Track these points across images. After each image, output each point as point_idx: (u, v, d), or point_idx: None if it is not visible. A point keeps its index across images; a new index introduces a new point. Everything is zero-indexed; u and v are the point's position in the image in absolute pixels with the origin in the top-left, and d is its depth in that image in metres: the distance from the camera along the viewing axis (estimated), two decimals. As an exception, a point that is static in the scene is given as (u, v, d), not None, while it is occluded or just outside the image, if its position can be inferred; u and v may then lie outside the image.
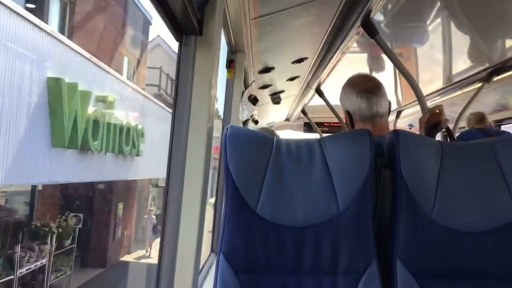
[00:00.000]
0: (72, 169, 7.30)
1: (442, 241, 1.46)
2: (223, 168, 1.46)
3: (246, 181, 1.43)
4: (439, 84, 3.63)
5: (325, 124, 6.17)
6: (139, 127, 10.08)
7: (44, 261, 8.26)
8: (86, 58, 7.76)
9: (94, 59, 8.03)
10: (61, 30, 8.57)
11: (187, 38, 1.55)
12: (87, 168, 7.80)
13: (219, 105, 3.86)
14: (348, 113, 1.83)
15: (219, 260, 1.42)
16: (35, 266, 8.03)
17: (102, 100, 8.24)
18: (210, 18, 1.55)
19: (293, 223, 1.43)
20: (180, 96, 1.57)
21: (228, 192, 1.43)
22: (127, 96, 9.81)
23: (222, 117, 3.48)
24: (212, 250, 3.35)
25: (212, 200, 3.86)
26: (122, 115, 9.14)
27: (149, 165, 11.18)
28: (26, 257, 7.70)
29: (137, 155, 9.96)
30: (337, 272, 1.43)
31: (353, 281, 1.43)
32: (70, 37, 8.35)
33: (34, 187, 8.60)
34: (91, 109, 7.59)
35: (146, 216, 14.29)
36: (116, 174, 9.56)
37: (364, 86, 1.79)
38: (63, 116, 6.60)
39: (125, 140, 9.17)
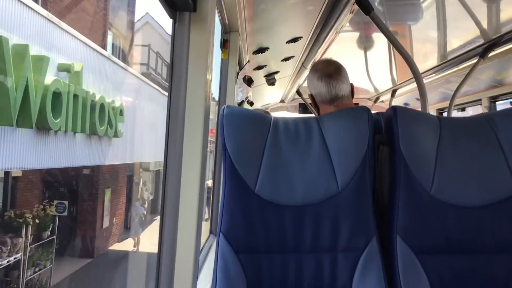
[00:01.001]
0: (26, 152, 6.03)
1: (441, 216, 1.47)
2: (220, 148, 1.45)
3: (244, 161, 1.44)
4: (434, 61, 3.62)
5: None
6: (117, 104, 8.86)
7: (18, 255, 7.54)
8: (48, 19, 6.50)
9: (55, 19, 6.72)
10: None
11: (181, 15, 1.52)
12: (48, 151, 6.55)
13: (214, 87, 3.84)
14: (311, 96, 1.95)
15: (219, 240, 1.43)
16: (8, 262, 7.30)
17: (66, 69, 6.90)
18: (204, -7, 1.52)
19: (293, 202, 1.44)
20: (175, 76, 1.54)
21: (226, 172, 1.44)
22: (102, 67, 8.59)
23: (216, 99, 3.44)
24: (210, 232, 3.36)
25: (209, 182, 3.87)
26: (94, 89, 7.85)
27: (132, 148, 10.21)
28: (-3, 252, 7.03)
29: (116, 136, 8.80)
30: (337, 249, 1.45)
31: (354, 258, 1.44)
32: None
33: (7, 174, 7.61)
34: (50, 79, 6.22)
35: (132, 206, 13.06)
36: (89, 158, 8.31)
37: (324, 71, 1.89)
38: (7, 86, 5.26)
39: (99, 119, 7.93)
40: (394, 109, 1.55)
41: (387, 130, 1.57)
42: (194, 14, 1.52)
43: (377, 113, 1.76)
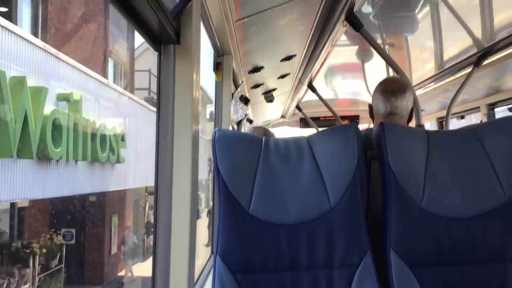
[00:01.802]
0: (27, 182, 5.94)
1: (433, 228, 1.48)
2: (214, 171, 1.46)
3: (237, 182, 1.45)
4: (431, 71, 3.62)
5: (321, 118, 6.15)
6: (118, 130, 8.73)
7: (26, 286, 7.42)
8: (45, 50, 6.44)
9: (53, 50, 6.67)
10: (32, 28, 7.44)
11: (165, 48, 1.54)
12: (50, 181, 6.46)
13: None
14: (370, 106, 2.03)
15: (215, 261, 1.44)
16: None
17: (65, 98, 6.86)
18: (187, 27, 1.55)
19: (286, 220, 1.45)
20: (163, 104, 1.57)
21: (220, 194, 1.45)
22: (102, 95, 8.52)
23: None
24: (212, 252, 3.35)
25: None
26: (94, 117, 7.78)
27: (135, 172, 10.10)
28: (5, 285, 6.93)
29: (118, 161, 8.65)
30: (333, 266, 1.45)
31: (349, 273, 1.45)
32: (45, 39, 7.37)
33: (13, 204, 7.50)
34: (49, 109, 6.17)
35: (125, 234, 11.92)
36: (92, 185, 8.14)
37: (388, 86, 1.96)
38: (6, 118, 5.16)
39: (100, 145, 7.81)
40: (382, 125, 1.56)
41: (376, 145, 1.58)
42: (178, 46, 1.54)
43: (368, 129, 1.78)
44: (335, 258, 1.45)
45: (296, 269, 1.45)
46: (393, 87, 1.94)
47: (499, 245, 1.48)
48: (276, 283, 1.44)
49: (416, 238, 1.47)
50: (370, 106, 2.03)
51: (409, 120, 2.00)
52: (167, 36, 1.47)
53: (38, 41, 6.43)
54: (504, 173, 1.50)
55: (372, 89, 5.07)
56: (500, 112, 3.83)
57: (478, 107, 3.98)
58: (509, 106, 3.69)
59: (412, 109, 1.97)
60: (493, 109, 3.83)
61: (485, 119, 3.89)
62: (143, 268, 11.82)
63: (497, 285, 1.46)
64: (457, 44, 3.05)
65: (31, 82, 5.78)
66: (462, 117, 4.50)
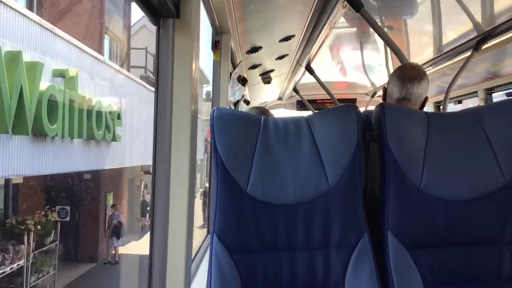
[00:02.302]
0: (23, 158, 5.98)
1: (431, 210, 1.49)
2: (212, 150, 1.46)
3: (235, 161, 1.45)
4: (430, 54, 3.60)
5: (318, 101, 6.14)
6: (114, 108, 8.80)
7: (21, 262, 7.51)
8: (41, 25, 6.41)
9: (49, 25, 6.66)
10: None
11: (164, 22, 1.52)
12: (45, 157, 6.50)
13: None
14: (384, 89, 2.07)
15: (212, 241, 1.44)
16: (11, 269, 7.27)
17: (61, 74, 6.83)
18: (187, 0, 1.52)
19: (284, 201, 1.45)
20: (161, 81, 1.55)
21: (218, 173, 1.45)
22: (98, 72, 8.53)
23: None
24: (208, 232, 3.36)
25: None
26: (90, 94, 7.84)
27: (131, 150, 10.13)
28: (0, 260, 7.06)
29: (114, 140, 8.74)
30: (330, 246, 1.46)
31: (346, 254, 1.46)
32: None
33: (7, 180, 7.58)
34: (45, 85, 6.18)
35: (110, 213, 11.48)
36: (87, 162, 8.24)
37: (406, 72, 2.00)
38: (1, 93, 5.20)
39: (96, 123, 7.86)
40: (382, 106, 1.56)
41: (376, 127, 1.57)
42: (178, 21, 1.52)
43: (368, 111, 1.78)
44: (332, 239, 1.46)
45: (293, 249, 1.46)
46: (411, 74, 1.97)
47: (496, 228, 1.48)
48: (273, 263, 1.45)
49: (414, 220, 1.48)
50: (385, 89, 2.06)
51: (421, 108, 2.01)
52: (167, 9, 1.44)
53: (33, 16, 6.39)
54: (503, 156, 1.50)
55: (369, 73, 5.08)
56: (498, 97, 3.83)
57: (476, 92, 3.97)
58: (507, 91, 3.69)
59: (426, 98, 1.99)
60: (490, 94, 3.83)
61: (482, 104, 3.89)
62: (138, 246, 11.89)
63: (494, 267, 1.48)
64: (456, 28, 3.03)
65: (26, 57, 5.76)
66: (460, 102, 4.50)
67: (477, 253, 1.48)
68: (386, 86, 2.06)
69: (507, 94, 3.73)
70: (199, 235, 3.17)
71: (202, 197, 14.61)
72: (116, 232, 11.06)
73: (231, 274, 1.41)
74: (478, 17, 2.72)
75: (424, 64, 3.79)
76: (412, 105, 1.95)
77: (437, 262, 1.47)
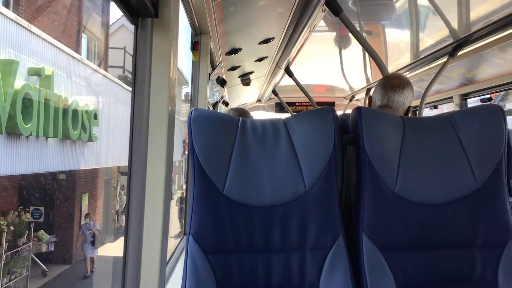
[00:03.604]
0: None
1: (405, 213, 1.50)
2: (189, 150, 1.44)
3: (213, 163, 1.44)
4: (407, 60, 3.65)
5: (297, 104, 6.17)
6: (91, 107, 8.68)
7: None
8: (17, 23, 6.31)
9: (25, 23, 6.56)
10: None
11: (143, 21, 1.50)
12: (19, 157, 6.43)
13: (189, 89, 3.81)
14: (370, 98, 2.14)
15: (188, 241, 1.43)
16: None
17: (36, 73, 6.72)
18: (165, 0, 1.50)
19: (261, 202, 1.45)
20: (138, 81, 1.53)
21: (195, 174, 1.44)
22: (74, 71, 8.39)
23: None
24: (185, 233, 3.34)
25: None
26: (66, 93, 7.70)
27: (107, 151, 10.02)
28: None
29: (90, 140, 8.62)
30: (306, 248, 1.47)
31: (321, 256, 1.47)
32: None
33: None
34: (19, 83, 6.09)
35: (84, 222, 10.77)
36: (63, 162, 8.06)
37: (388, 82, 2.06)
38: None
39: (72, 123, 7.75)
40: (358, 109, 1.57)
41: (353, 130, 1.59)
42: (156, 20, 1.50)
43: (345, 114, 1.79)
44: (308, 241, 1.47)
45: (269, 251, 1.46)
46: (394, 82, 2.03)
47: (469, 231, 1.51)
48: (249, 264, 1.45)
49: (388, 223, 1.50)
50: (370, 98, 2.13)
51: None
52: (145, 9, 1.43)
53: (9, 13, 6.25)
54: (475, 161, 1.53)
55: (348, 77, 5.11)
56: (472, 103, 3.91)
57: (451, 97, 4.05)
58: (481, 97, 3.77)
59: (409, 108, 2.04)
60: (465, 99, 3.90)
61: (457, 110, 3.96)
62: (114, 248, 11.67)
63: (465, 270, 1.50)
64: (433, 34, 3.08)
65: (1, 55, 5.72)
66: (435, 107, 4.58)
67: (450, 256, 1.50)
68: (370, 95, 2.13)
69: (482, 100, 3.80)
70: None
71: (178, 203, 14.42)
72: (91, 242, 10.47)
73: (206, 275, 1.41)
74: (455, 24, 2.76)
75: (401, 69, 3.84)
76: (394, 112, 1.99)
77: (410, 264, 1.49)
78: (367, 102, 2.20)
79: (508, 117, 1.64)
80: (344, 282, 1.44)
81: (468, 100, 3.91)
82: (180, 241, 3.14)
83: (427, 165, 1.53)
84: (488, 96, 3.73)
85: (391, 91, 2.01)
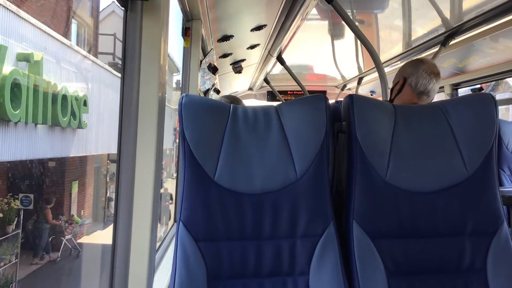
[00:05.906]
0: None
1: (396, 202, 1.50)
2: (179, 137, 1.43)
3: (203, 149, 1.43)
4: (399, 49, 3.65)
5: (289, 92, 6.16)
6: (80, 94, 8.49)
7: None
8: (5, 7, 6.13)
9: (13, 7, 6.36)
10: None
11: (132, 4, 1.46)
12: (7, 143, 6.35)
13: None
14: (404, 79, 2.05)
15: (178, 228, 1.42)
16: None
17: (25, 58, 6.60)
18: (156, -18, 1.47)
19: (252, 190, 1.45)
20: (128, 66, 1.49)
21: (185, 161, 1.43)
22: (64, 57, 8.26)
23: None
24: (175, 220, 3.33)
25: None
26: (55, 79, 7.50)
27: (97, 139, 9.94)
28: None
29: (80, 127, 8.49)
30: (296, 235, 1.47)
31: (311, 243, 1.47)
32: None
33: None
34: (8, 69, 5.97)
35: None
36: (52, 149, 8.01)
37: (432, 68, 2.02)
38: None
39: (61, 109, 7.57)
40: (351, 97, 1.56)
41: (345, 118, 1.58)
42: (146, 3, 1.46)
43: (337, 102, 1.78)
44: (299, 228, 1.47)
45: (260, 238, 1.46)
46: (436, 71, 2.02)
47: (459, 220, 1.51)
48: (239, 252, 1.44)
49: (379, 210, 1.50)
50: (404, 79, 2.05)
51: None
52: (135, -9, 1.40)
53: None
54: (466, 150, 1.53)
55: (340, 66, 5.10)
56: (463, 93, 3.93)
57: (442, 87, 4.06)
58: (472, 87, 3.78)
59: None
60: (456, 89, 3.91)
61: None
62: (103, 236, 11.67)
63: (456, 258, 1.51)
64: (425, 23, 3.07)
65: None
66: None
67: (439, 245, 1.51)
68: (405, 77, 2.05)
69: (473, 90, 3.82)
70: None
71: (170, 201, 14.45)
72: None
73: (197, 262, 1.40)
74: (447, 13, 2.76)
75: (393, 58, 3.84)
76: (429, 101, 1.98)
77: (400, 252, 1.49)
78: (397, 85, 2.12)
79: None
80: (334, 269, 1.44)
81: (459, 90, 3.92)
82: (170, 228, 3.13)
83: (418, 154, 1.53)
84: (478, 86, 3.75)
85: (436, 79, 1.99)
